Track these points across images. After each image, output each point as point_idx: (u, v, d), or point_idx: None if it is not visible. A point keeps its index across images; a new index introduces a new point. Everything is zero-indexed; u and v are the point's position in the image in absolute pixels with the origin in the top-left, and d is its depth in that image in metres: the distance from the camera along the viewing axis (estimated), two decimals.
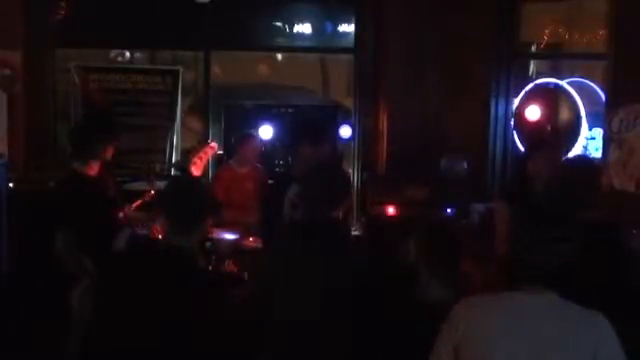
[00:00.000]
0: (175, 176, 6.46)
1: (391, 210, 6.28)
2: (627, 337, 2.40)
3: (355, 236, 5.57)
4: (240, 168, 6.36)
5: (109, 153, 4.74)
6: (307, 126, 5.21)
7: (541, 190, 3.36)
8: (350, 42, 7.74)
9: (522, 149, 6.60)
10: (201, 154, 5.24)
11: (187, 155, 5.22)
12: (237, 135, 6.68)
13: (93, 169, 4.69)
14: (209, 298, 2.93)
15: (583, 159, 4.54)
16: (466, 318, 2.46)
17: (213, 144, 5.48)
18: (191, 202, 3.03)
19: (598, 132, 6.34)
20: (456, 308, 2.52)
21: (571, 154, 6.33)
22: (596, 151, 6.32)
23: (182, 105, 7.63)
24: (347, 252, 3.09)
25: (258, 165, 6.48)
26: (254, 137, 6.54)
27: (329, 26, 7.94)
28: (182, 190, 3.17)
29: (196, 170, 5.19)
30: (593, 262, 2.89)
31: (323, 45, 8.19)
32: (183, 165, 5.33)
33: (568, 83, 6.77)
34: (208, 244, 4.92)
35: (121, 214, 4.79)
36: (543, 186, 3.36)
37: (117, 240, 4.45)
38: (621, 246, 3.24)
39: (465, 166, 6.64)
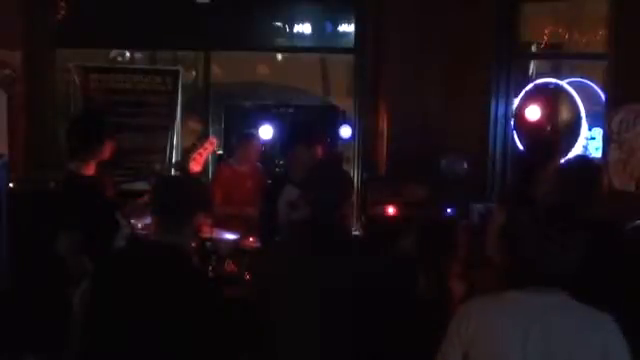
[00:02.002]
0: (164, 175, 6.45)
1: (391, 210, 6.27)
2: (628, 336, 2.41)
3: (355, 236, 5.57)
4: (240, 167, 6.36)
5: (107, 152, 4.70)
6: (300, 128, 5.23)
7: (552, 193, 3.35)
8: (350, 42, 7.74)
9: (525, 152, 6.58)
10: (201, 150, 5.24)
11: (187, 153, 5.22)
12: (238, 134, 6.68)
13: (90, 169, 4.66)
14: (202, 296, 2.93)
15: (586, 160, 4.51)
16: (477, 318, 2.45)
17: (213, 139, 5.48)
18: (179, 199, 3.03)
19: (598, 132, 6.34)
20: (465, 307, 2.51)
21: (571, 154, 6.32)
22: (596, 151, 6.32)
23: (182, 105, 7.63)
24: (347, 252, 3.09)
25: (258, 164, 6.48)
26: (255, 137, 6.55)
27: (329, 26, 7.94)
28: (169, 188, 3.17)
29: (196, 166, 5.18)
30: (596, 262, 2.89)
31: (323, 45, 8.18)
32: (183, 165, 5.32)
33: (568, 83, 6.76)
34: (208, 244, 4.92)
35: (120, 214, 4.77)
36: (553, 189, 3.35)
37: (116, 240, 4.44)
38: (622, 245, 3.24)
39: (465, 166, 6.64)
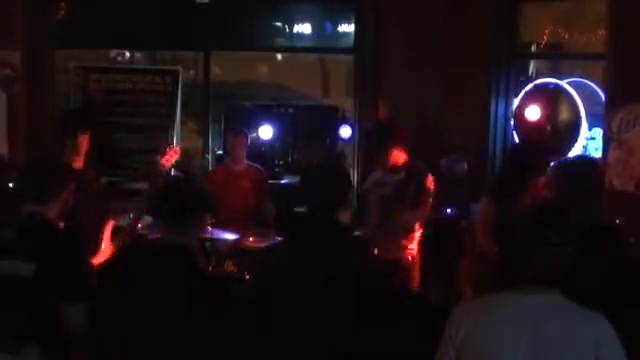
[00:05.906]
0: (168, 177, 6.43)
1: None
2: (626, 335, 2.41)
3: (356, 236, 5.57)
4: (235, 166, 6.34)
5: (83, 145, 4.82)
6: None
7: (550, 192, 3.35)
8: (350, 42, 7.74)
9: (520, 152, 6.56)
10: (167, 157, 5.20)
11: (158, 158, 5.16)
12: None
13: (74, 161, 4.77)
14: (210, 297, 2.93)
15: (587, 159, 4.51)
16: (466, 322, 2.44)
17: (177, 148, 5.37)
18: (184, 202, 3.03)
19: (598, 132, 6.33)
20: (454, 312, 2.51)
21: (571, 154, 6.31)
22: (596, 151, 6.31)
23: (182, 105, 7.63)
24: (349, 252, 3.08)
25: (257, 165, 6.46)
26: (242, 133, 6.50)
27: (329, 26, 7.94)
28: (174, 190, 3.16)
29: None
30: (593, 262, 2.89)
31: (323, 45, 8.19)
32: (183, 166, 5.31)
33: (568, 83, 6.76)
34: (208, 244, 4.92)
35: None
36: (553, 188, 3.35)
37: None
38: (621, 247, 3.24)
39: (465, 166, 6.64)
